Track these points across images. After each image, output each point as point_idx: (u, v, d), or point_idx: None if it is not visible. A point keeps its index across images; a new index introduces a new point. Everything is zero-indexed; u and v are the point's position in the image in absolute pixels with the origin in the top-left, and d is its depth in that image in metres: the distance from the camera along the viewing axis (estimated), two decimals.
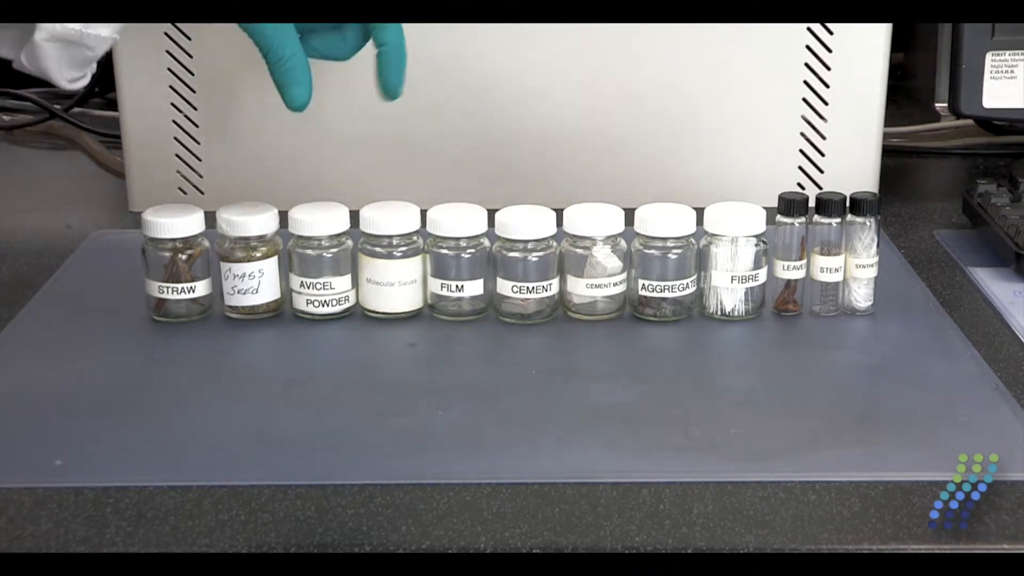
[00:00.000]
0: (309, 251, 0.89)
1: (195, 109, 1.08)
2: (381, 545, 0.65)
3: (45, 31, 0.78)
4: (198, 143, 1.09)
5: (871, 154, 1.09)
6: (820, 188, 1.08)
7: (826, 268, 0.89)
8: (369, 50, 0.88)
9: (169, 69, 1.07)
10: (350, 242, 0.89)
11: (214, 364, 0.85)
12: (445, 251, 0.88)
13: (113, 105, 1.16)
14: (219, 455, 0.74)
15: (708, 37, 1.06)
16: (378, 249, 0.88)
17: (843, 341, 0.87)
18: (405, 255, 0.88)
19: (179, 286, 0.88)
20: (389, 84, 0.88)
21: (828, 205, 0.88)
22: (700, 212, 0.88)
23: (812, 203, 0.89)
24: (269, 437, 0.75)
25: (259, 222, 0.88)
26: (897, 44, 1.12)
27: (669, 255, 0.88)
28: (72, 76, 0.82)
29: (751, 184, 1.07)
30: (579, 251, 0.88)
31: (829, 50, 1.06)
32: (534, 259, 0.88)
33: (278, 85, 0.86)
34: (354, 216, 0.89)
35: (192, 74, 1.07)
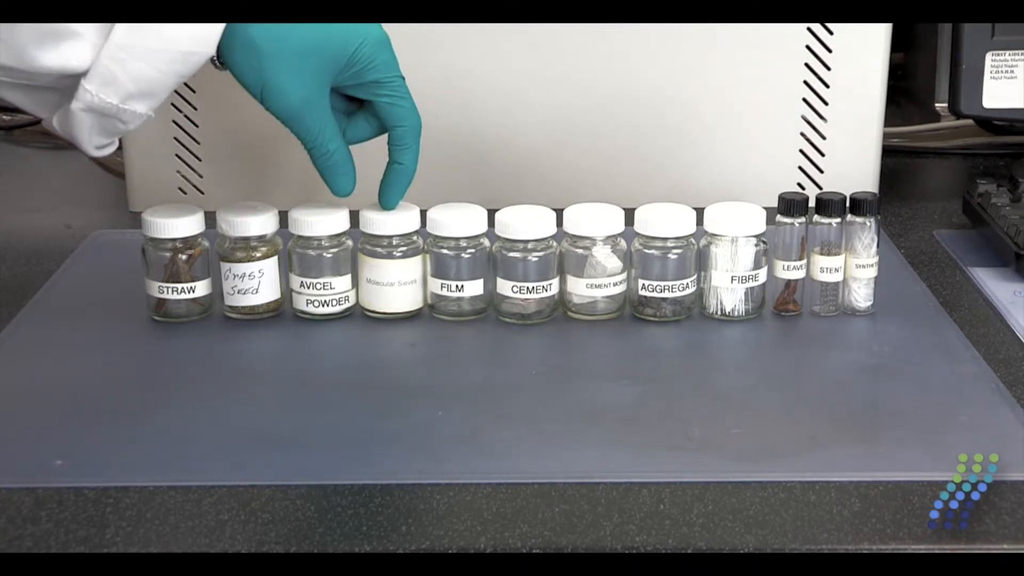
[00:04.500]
0: (309, 251, 0.89)
1: (195, 109, 1.08)
2: (381, 545, 0.65)
3: (83, 101, 0.79)
4: (198, 143, 1.09)
5: (871, 154, 1.09)
6: (820, 188, 1.08)
7: (826, 268, 0.89)
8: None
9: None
10: (350, 242, 0.89)
11: (214, 364, 0.85)
12: (445, 251, 0.88)
13: None
14: (219, 455, 0.74)
15: (708, 37, 1.06)
16: (378, 249, 0.88)
17: (843, 341, 0.87)
18: (405, 255, 0.88)
19: (179, 286, 0.88)
20: (389, 200, 0.89)
21: (828, 205, 0.88)
22: (700, 212, 0.88)
23: (812, 203, 0.89)
24: (269, 437, 0.75)
25: (259, 222, 0.88)
26: (897, 44, 1.12)
27: (669, 255, 0.88)
28: (100, 143, 0.84)
29: (751, 184, 1.07)
30: (579, 251, 0.88)
31: (829, 50, 1.07)
32: (534, 259, 0.88)
33: (323, 176, 0.88)
34: (354, 216, 0.89)
35: None
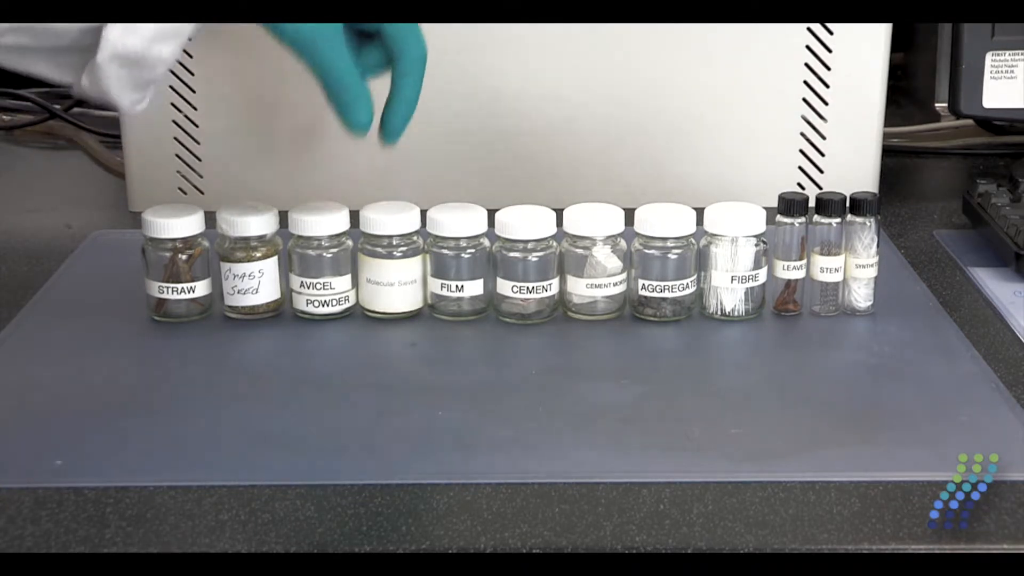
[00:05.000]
0: (309, 251, 0.89)
1: (195, 109, 1.08)
2: (381, 545, 0.65)
3: (107, 51, 0.78)
4: (198, 143, 1.09)
5: (871, 154, 1.09)
6: (820, 188, 1.08)
7: (826, 268, 0.89)
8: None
9: (169, 69, 1.07)
10: (350, 242, 0.89)
11: (214, 364, 0.85)
12: (445, 251, 0.88)
13: None
14: (219, 455, 0.74)
15: (708, 37, 1.06)
16: (378, 249, 0.88)
17: (843, 341, 0.87)
18: (405, 255, 0.88)
19: (179, 286, 0.88)
20: (392, 130, 0.87)
21: (828, 205, 0.88)
22: (700, 212, 0.88)
23: (812, 203, 0.89)
24: (269, 437, 0.75)
25: (259, 222, 0.88)
26: (897, 44, 1.12)
27: (669, 255, 0.88)
28: (134, 98, 0.83)
29: (751, 184, 1.07)
30: (579, 251, 0.88)
31: (829, 50, 1.07)
32: (534, 259, 0.88)
33: (339, 111, 0.85)
34: (354, 216, 0.89)
35: (192, 74, 1.07)
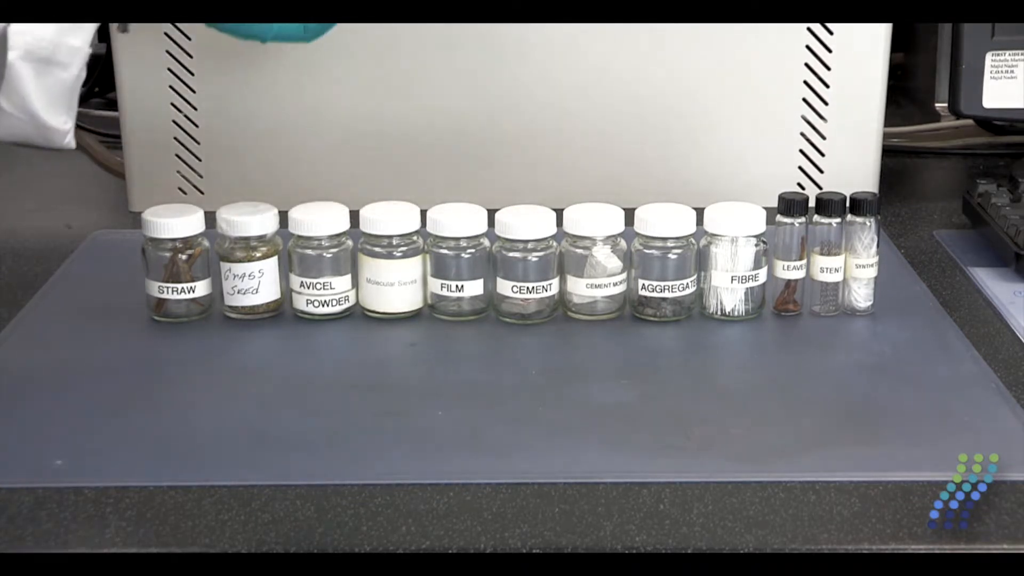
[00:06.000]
0: (309, 251, 0.89)
1: (195, 109, 1.08)
2: (381, 545, 0.65)
3: (19, 48, 0.77)
4: (198, 143, 1.09)
5: (871, 154, 1.09)
6: (820, 188, 1.08)
7: (826, 268, 0.89)
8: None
9: (169, 69, 1.07)
10: (350, 242, 0.89)
11: (214, 364, 0.85)
12: (445, 251, 0.88)
13: (113, 105, 1.17)
14: (219, 455, 0.74)
15: (708, 37, 1.06)
16: (378, 249, 0.88)
17: (843, 341, 0.87)
18: (405, 255, 0.88)
19: (179, 286, 0.88)
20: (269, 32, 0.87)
21: (828, 205, 0.88)
22: (700, 212, 0.88)
23: (812, 203, 0.89)
24: (269, 437, 0.75)
25: (259, 222, 0.88)
26: (897, 44, 1.12)
27: (669, 255, 0.88)
28: (61, 119, 0.81)
29: (751, 184, 1.07)
30: (579, 251, 0.88)
31: (829, 50, 1.07)
32: (534, 259, 0.88)
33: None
34: (354, 216, 0.89)
35: (192, 74, 1.07)
